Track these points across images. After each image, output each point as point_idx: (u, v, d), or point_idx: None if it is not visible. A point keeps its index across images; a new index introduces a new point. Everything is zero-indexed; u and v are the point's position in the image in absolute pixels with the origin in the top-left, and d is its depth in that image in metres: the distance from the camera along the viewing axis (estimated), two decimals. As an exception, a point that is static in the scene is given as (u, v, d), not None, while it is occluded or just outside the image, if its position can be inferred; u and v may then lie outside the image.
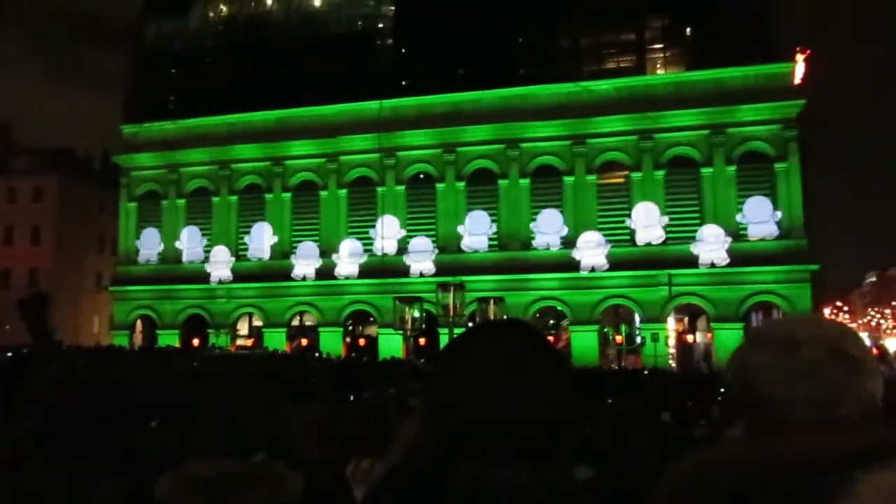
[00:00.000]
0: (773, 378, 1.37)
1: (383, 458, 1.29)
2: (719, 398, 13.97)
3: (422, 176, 39.51)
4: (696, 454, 1.40)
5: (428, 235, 38.33)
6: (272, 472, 1.60)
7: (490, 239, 38.03)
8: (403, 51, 41.59)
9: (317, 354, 30.01)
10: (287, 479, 1.59)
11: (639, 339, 36.11)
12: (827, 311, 74.22)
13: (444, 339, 29.96)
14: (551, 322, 37.48)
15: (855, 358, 1.37)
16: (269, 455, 1.61)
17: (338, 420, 3.15)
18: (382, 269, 37.82)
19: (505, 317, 25.78)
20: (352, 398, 9.21)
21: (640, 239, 35.69)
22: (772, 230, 34.72)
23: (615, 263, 35.38)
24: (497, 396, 1.19)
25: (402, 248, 38.38)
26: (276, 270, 39.79)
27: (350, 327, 40.16)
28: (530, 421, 1.18)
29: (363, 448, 2.70)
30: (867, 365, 1.38)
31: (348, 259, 38.82)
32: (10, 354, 18.81)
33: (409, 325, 25.45)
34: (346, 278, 38.72)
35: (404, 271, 37.62)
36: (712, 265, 34.30)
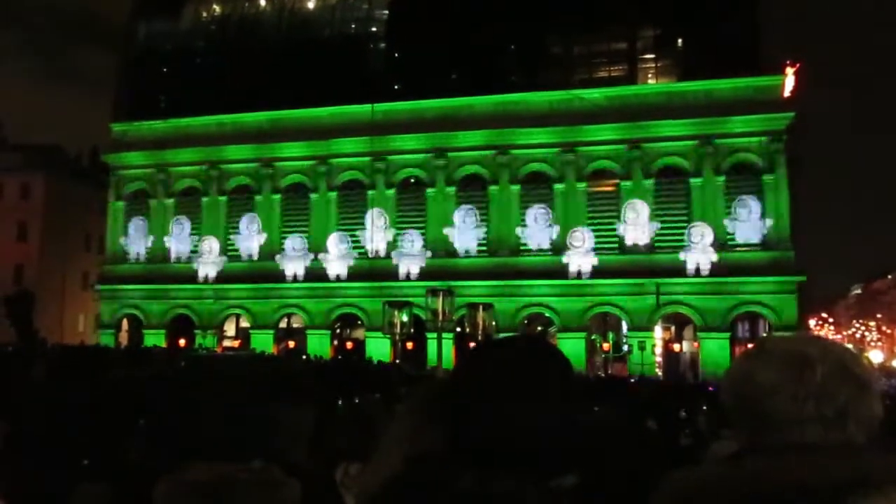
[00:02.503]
0: (784, 395, 1.35)
1: (371, 463, 1.30)
2: (704, 408, 14.03)
3: (412, 180, 39.51)
4: (694, 470, 1.39)
5: (418, 238, 38.31)
6: (271, 478, 1.60)
7: (479, 244, 38.07)
8: (396, 55, 41.60)
9: (304, 357, 29.88)
10: (285, 486, 1.58)
11: (626, 347, 36.23)
12: (812, 323, 74.73)
13: (431, 344, 29.92)
14: (539, 328, 37.52)
15: (860, 377, 1.37)
16: (265, 460, 1.60)
17: (327, 425, 3.14)
18: (371, 272, 37.77)
19: (493, 322, 25.78)
20: (339, 403, 9.16)
21: (629, 246, 35.85)
22: (758, 241, 34.96)
23: (603, 271, 35.50)
24: (507, 413, 1.21)
25: (392, 251, 38.36)
26: (265, 272, 39.65)
27: (338, 330, 40.06)
28: (538, 438, 1.20)
29: (353, 454, 2.70)
30: (871, 384, 1.38)
31: (337, 262, 38.75)
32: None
33: (397, 330, 25.37)
34: (335, 281, 38.64)
35: (393, 275, 37.58)
36: (697, 271, 34.48)
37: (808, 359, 1.37)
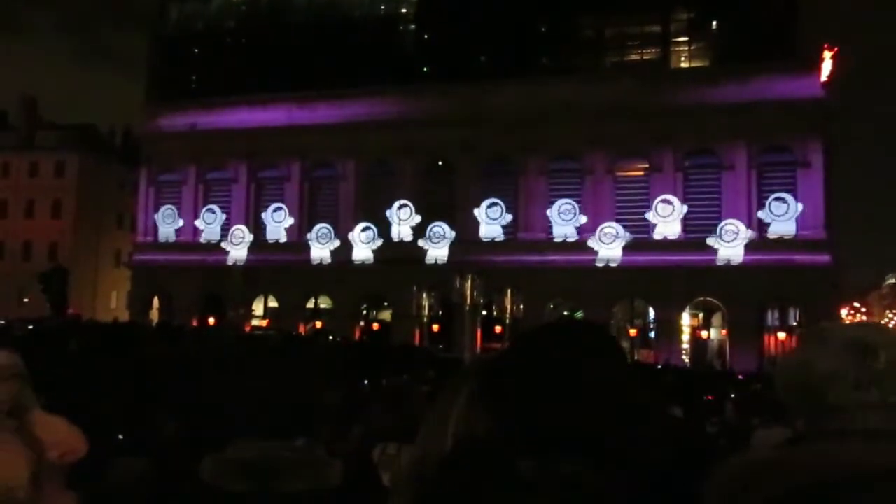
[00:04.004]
0: (847, 383, 1.33)
1: (418, 444, 1.31)
2: (732, 396, 13.92)
3: (440, 163, 39.40)
4: (753, 454, 1.38)
5: (445, 223, 38.27)
6: (314, 457, 1.63)
7: (507, 229, 37.95)
8: (426, 36, 41.41)
9: (330, 338, 30.12)
10: (328, 465, 1.62)
11: (653, 334, 36.00)
12: (844, 312, 73.51)
13: (457, 327, 29.98)
14: (565, 313, 37.38)
15: None
16: (309, 440, 1.63)
17: (362, 406, 3.18)
18: (398, 254, 37.81)
19: (521, 306, 25.77)
20: (366, 383, 9.26)
21: (658, 233, 35.50)
22: (791, 228, 34.39)
23: (632, 257, 35.20)
24: (559, 398, 1.20)
25: (419, 235, 38.39)
26: (293, 253, 39.94)
27: (364, 312, 40.29)
28: (595, 421, 1.20)
29: (389, 434, 2.73)
30: None
31: (364, 244, 38.90)
32: (30, 327, 19.04)
33: (424, 312, 25.54)
34: (362, 263, 38.80)
35: (421, 258, 37.61)
36: (729, 262, 34.06)
37: (869, 345, 1.34)
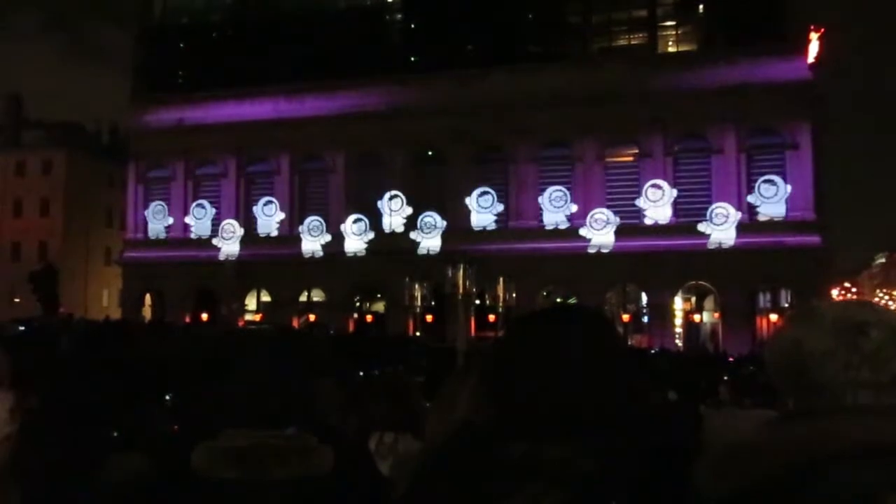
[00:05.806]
0: (837, 362, 1.32)
1: (418, 433, 1.31)
2: (725, 378, 14.00)
3: (430, 153, 39.34)
4: (739, 436, 1.37)
5: (436, 212, 38.25)
6: (304, 445, 1.64)
7: (498, 218, 37.96)
8: (413, 26, 41.25)
9: (324, 330, 30.09)
10: (318, 452, 1.63)
11: (646, 319, 36.13)
12: (835, 293, 73.99)
13: (451, 317, 29.97)
14: (558, 300, 37.48)
15: None
16: (300, 428, 1.65)
17: (359, 395, 3.19)
18: (390, 245, 37.79)
19: (514, 295, 25.77)
20: (360, 374, 9.28)
21: (649, 218, 35.59)
22: (781, 210, 34.55)
23: (623, 242, 35.29)
24: (553, 382, 1.21)
25: (411, 225, 38.36)
26: (284, 246, 39.85)
27: (358, 303, 40.27)
28: (585, 405, 1.19)
29: (387, 423, 2.75)
30: None
31: (356, 235, 38.86)
32: (21, 328, 18.95)
33: (417, 303, 25.54)
34: (354, 255, 38.77)
35: (413, 248, 37.60)
36: (720, 245, 34.20)
37: (860, 324, 1.33)
